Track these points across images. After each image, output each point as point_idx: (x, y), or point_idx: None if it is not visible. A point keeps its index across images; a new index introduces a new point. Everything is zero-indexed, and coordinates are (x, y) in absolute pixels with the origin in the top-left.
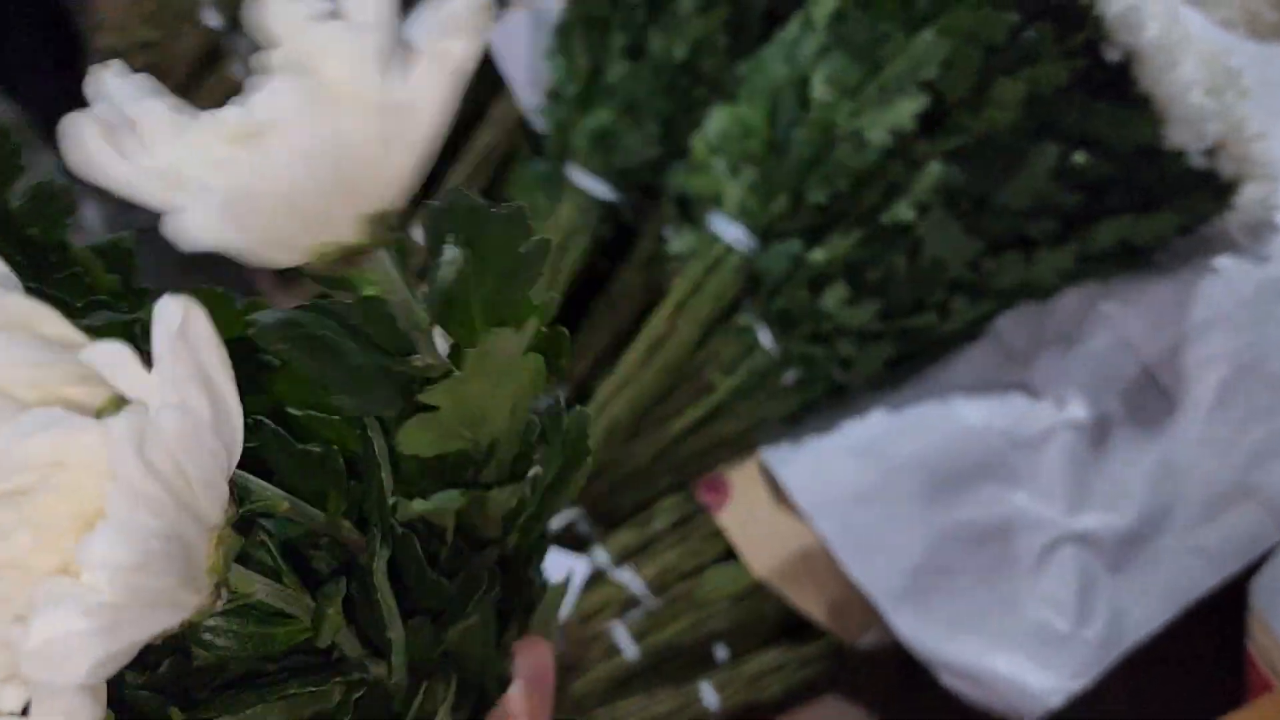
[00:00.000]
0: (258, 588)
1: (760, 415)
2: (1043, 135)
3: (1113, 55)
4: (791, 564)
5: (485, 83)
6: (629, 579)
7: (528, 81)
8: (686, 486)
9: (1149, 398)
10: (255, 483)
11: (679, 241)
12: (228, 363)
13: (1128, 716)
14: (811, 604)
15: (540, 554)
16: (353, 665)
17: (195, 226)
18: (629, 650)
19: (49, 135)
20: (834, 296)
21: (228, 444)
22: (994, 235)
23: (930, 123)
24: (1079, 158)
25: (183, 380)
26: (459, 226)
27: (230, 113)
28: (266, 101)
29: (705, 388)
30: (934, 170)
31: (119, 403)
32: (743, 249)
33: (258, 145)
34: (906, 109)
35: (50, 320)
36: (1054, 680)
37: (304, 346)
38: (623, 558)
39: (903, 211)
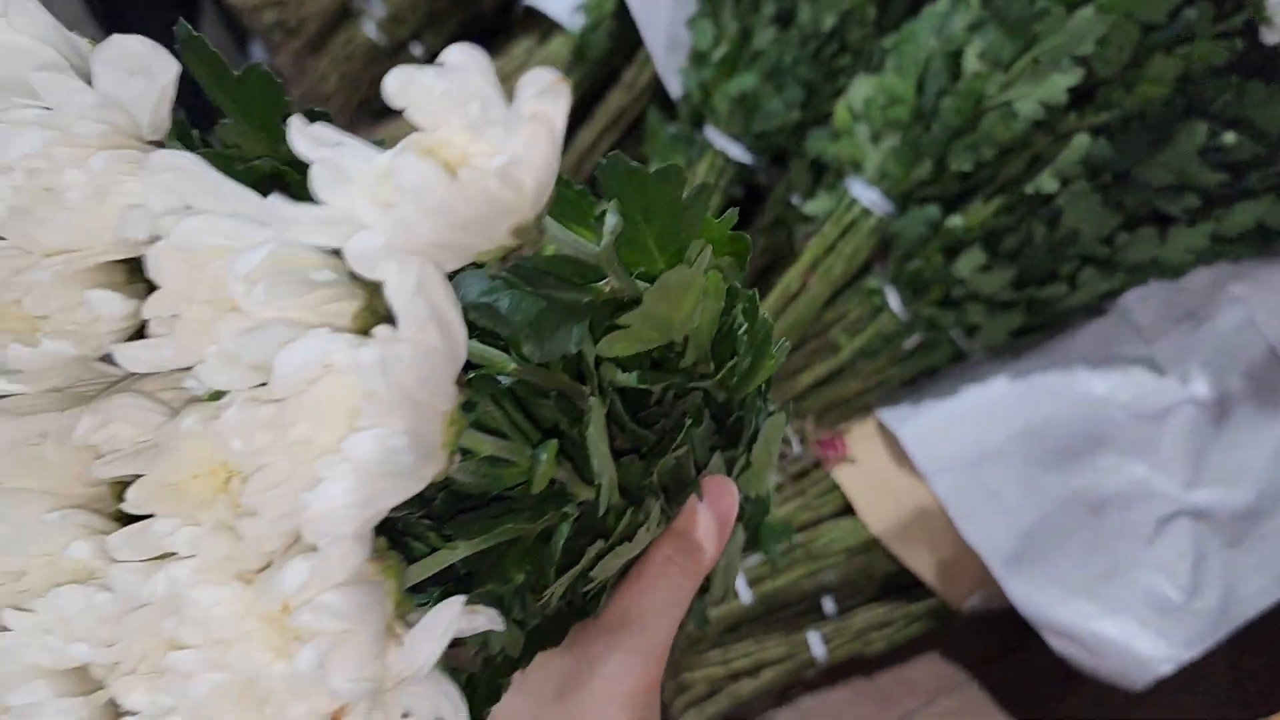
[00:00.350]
0: (487, 446)
1: (881, 377)
2: (1191, 114)
3: (1271, 38)
4: (905, 523)
5: (619, 49)
6: None
7: (666, 45)
8: (802, 444)
9: (1273, 378)
10: (491, 352)
11: (815, 203)
12: (454, 297)
13: (1230, 692)
14: (922, 564)
15: (755, 411)
16: (569, 495)
17: (356, 263)
18: (744, 595)
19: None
20: (969, 262)
21: (455, 357)
22: (1131, 210)
23: (1080, 97)
24: (1228, 138)
25: (421, 324)
26: (620, 186)
27: (383, 160)
28: (410, 176)
29: (830, 347)
30: (1081, 143)
31: (368, 315)
32: (879, 213)
33: (402, 206)
34: (1060, 83)
35: (306, 254)
36: (1165, 648)
37: (490, 314)
38: None
39: (1046, 182)
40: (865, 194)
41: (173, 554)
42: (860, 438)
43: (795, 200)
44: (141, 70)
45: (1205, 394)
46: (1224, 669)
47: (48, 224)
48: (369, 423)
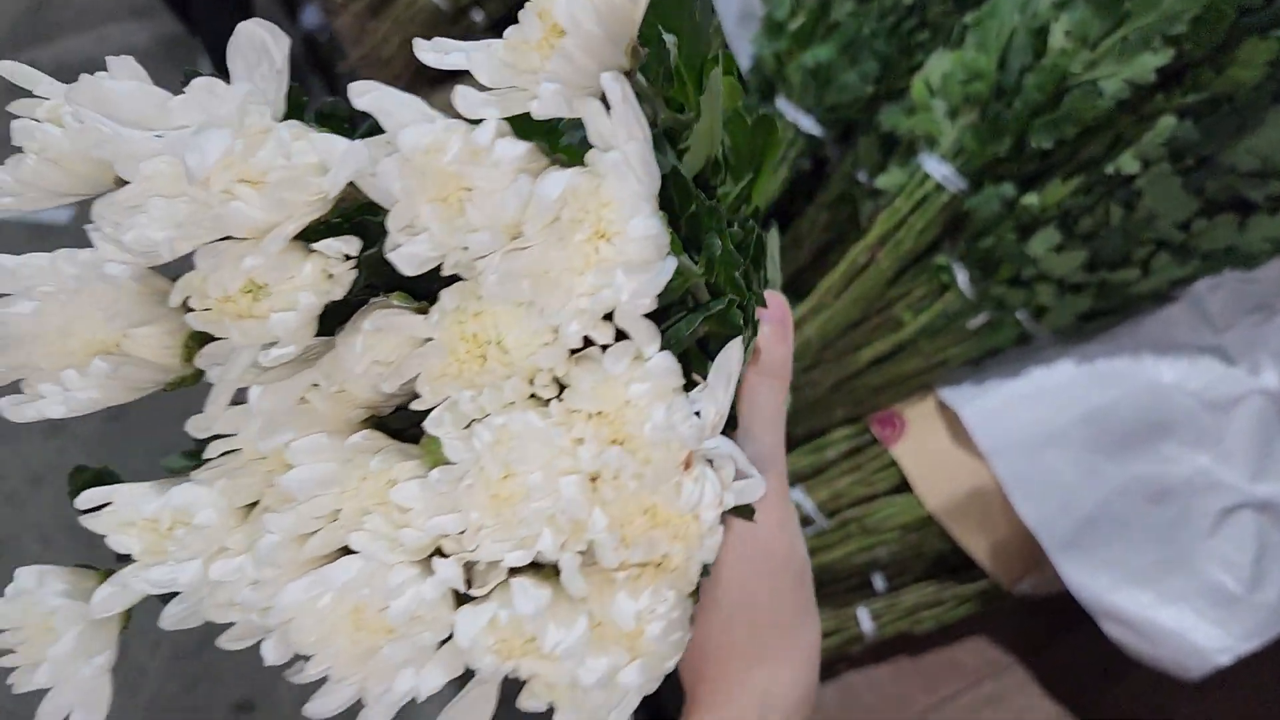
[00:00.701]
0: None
1: (942, 356)
2: None
3: None
4: (962, 502)
5: None
6: (800, 499)
7: (738, 16)
8: (859, 420)
9: None
10: None
11: (887, 177)
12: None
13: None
14: (976, 543)
15: (762, 223)
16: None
17: (550, 107)
18: None
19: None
20: (1043, 241)
21: (649, 145)
22: (1211, 195)
23: (1168, 77)
24: None
25: (631, 122)
26: (659, 14)
27: (513, 31)
28: (566, 9)
29: (894, 324)
30: (1166, 124)
31: (568, 162)
32: (952, 189)
33: (557, 45)
34: (1149, 62)
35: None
36: (1223, 639)
37: None
38: (796, 479)
39: (1128, 163)
40: (939, 169)
41: (476, 420)
42: (919, 416)
43: (861, 176)
44: (264, 53)
45: (1275, 385)
46: (1268, 677)
47: (252, 208)
48: (623, 218)
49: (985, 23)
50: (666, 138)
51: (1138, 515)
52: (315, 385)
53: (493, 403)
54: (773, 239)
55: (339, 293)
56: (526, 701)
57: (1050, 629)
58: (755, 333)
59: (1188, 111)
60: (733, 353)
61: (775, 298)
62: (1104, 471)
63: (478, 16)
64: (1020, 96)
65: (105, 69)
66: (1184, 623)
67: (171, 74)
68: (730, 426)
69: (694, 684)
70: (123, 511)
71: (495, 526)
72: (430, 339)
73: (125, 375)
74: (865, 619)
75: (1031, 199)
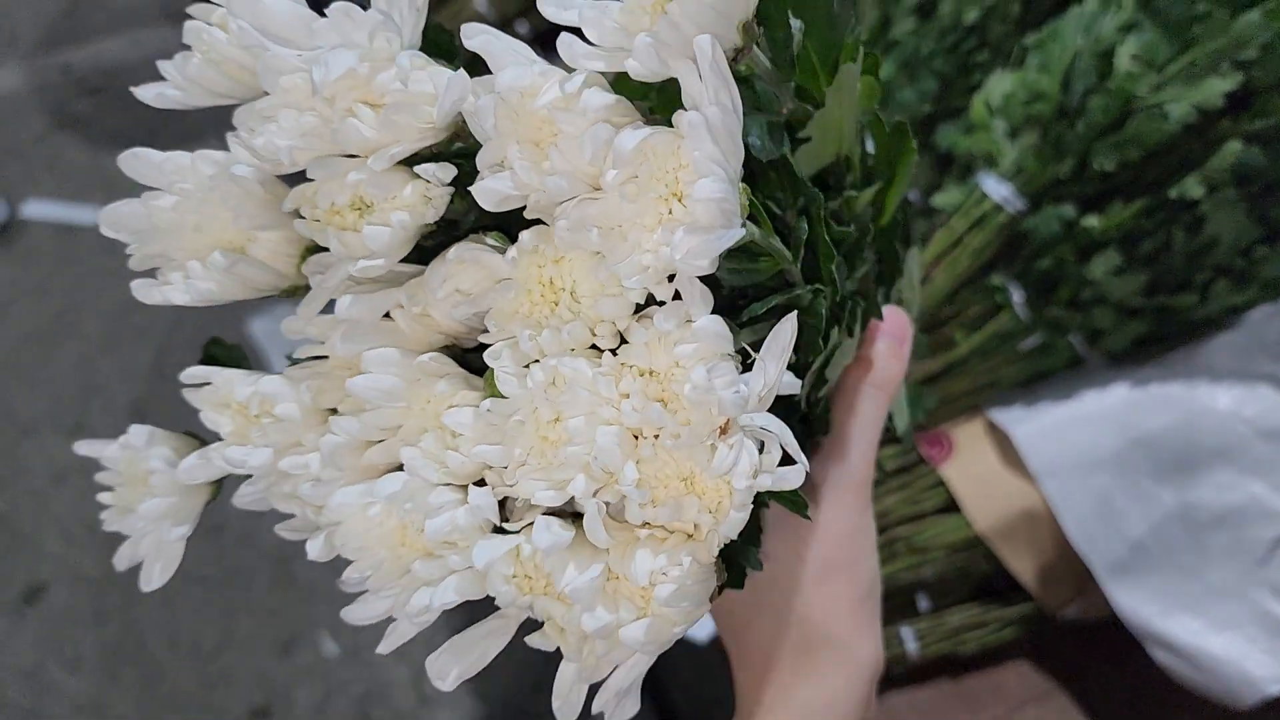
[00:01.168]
0: (756, 232)
1: (992, 377)
2: None
3: None
4: (1010, 523)
5: None
6: None
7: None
8: (907, 438)
9: None
10: None
11: (944, 196)
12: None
13: None
14: (1024, 566)
15: (899, 237)
16: (799, 289)
17: (643, 63)
18: None
19: None
20: (1104, 264)
21: (738, 114)
22: (1274, 221)
23: (1235, 102)
24: None
25: (719, 88)
26: (781, 5)
27: None
28: None
29: (945, 343)
30: (1232, 149)
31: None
32: (1010, 209)
33: (672, 8)
34: (1217, 87)
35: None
36: (1274, 668)
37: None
38: None
39: (1192, 187)
40: (997, 189)
41: (534, 361)
42: (968, 436)
43: (913, 195)
44: None
45: None
46: None
47: (365, 127)
48: (694, 178)
49: (1048, 44)
50: (787, 128)
51: (1189, 541)
52: (401, 307)
53: (552, 345)
54: (912, 258)
55: (433, 215)
56: (535, 640)
57: (1095, 654)
58: (852, 336)
59: (1254, 137)
60: (785, 328)
61: (897, 315)
62: (1155, 497)
63: (522, 28)
64: (1084, 118)
65: (139, 72)
66: (1235, 651)
67: None
68: (824, 433)
69: (744, 689)
70: (220, 392)
71: (537, 466)
72: (508, 278)
73: (242, 273)
74: (909, 638)
75: (1092, 221)
